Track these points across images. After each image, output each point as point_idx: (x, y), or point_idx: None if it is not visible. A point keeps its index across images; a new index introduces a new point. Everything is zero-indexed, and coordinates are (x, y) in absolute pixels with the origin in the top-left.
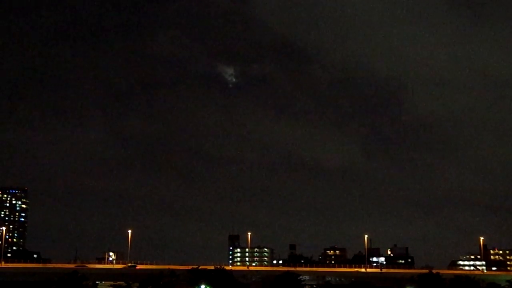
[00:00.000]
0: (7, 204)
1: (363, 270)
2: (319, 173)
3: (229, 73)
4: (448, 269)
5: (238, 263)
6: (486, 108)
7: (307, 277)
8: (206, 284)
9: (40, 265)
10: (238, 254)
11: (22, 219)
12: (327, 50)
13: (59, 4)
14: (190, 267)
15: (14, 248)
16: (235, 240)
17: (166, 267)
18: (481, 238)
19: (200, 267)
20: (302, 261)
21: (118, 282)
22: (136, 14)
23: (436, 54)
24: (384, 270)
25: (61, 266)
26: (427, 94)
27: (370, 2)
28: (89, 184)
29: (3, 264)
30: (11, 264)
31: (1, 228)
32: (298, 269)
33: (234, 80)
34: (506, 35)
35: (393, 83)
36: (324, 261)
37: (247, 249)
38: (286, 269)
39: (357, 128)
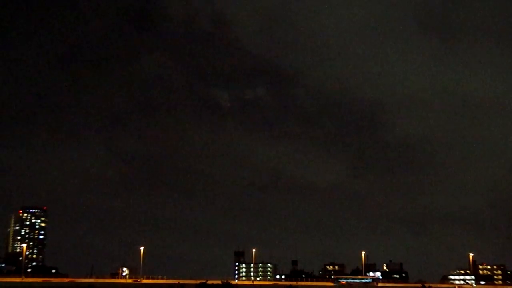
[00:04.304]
0: (27, 223)
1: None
2: (310, 192)
3: (223, 97)
4: (440, 283)
5: (244, 278)
6: (460, 127)
7: None
8: None
9: (58, 280)
10: (244, 270)
11: (41, 237)
12: (311, 75)
13: (59, 36)
14: (198, 282)
15: (34, 263)
16: (241, 256)
17: (176, 281)
18: (470, 254)
19: (208, 282)
20: (304, 275)
21: None
22: (126, 41)
23: (411, 78)
24: (380, 284)
25: (77, 281)
26: (406, 116)
27: (350, 31)
28: (98, 202)
29: (24, 279)
30: (32, 279)
31: (22, 245)
32: (300, 283)
33: (228, 104)
34: (474, 58)
35: (375, 106)
36: (324, 275)
37: (251, 265)
38: (289, 283)
39: (343, 149)
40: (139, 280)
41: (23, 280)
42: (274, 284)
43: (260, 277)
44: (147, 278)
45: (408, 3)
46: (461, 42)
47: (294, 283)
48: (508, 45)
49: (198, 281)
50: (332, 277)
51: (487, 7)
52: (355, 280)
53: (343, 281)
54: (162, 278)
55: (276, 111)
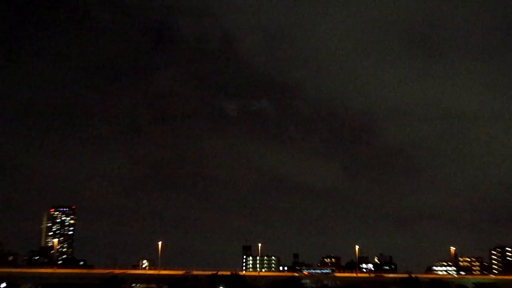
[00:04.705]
0: (58, 220)
1: (354, 275)
2: (309, 193)
3: (230, 108)
4: (425, 273)
5: (250, 269)
6: (442, 134)
7: (308, 281)
8: (224, 286)
9: (86, 271)
10: (250, 262)
11: (71, 232)
12: (309, 88)
13: (87, 54)
14: (210, 273)
15: (64, 256)
16: (248, 250)
17: (190, 272)
18: (452, 248)
19: (219, 273)
20: (304, 267)
21: (150, 285)
22: (144, 58)
23: (399, 90)
24: (372, 275)
25: (103, 272)
26: (394, 124)
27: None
28: (121, 202)
29: (56, 270)
30: (62, 270)
31: (53, 240)
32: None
33: (235, 114)
34: (454, 73)
35: (366, 115)
36: (321, 267)
37: (257, 258)
38: (291, 274)
39: (338, 154)
40: (158, 271)
41: (55, 271)
42: (277, 275)
43: (265, 269)
44: (165, 269)
45: (395, 24)
46: (442, 58)
47: (295, 273)
48: (484, 60)
49: (210, 272)
50: (296, 268)
51: (466, 27)
52: (316, 271)
53: (306, 272)
54: (178, 269)
55: (278, 120)
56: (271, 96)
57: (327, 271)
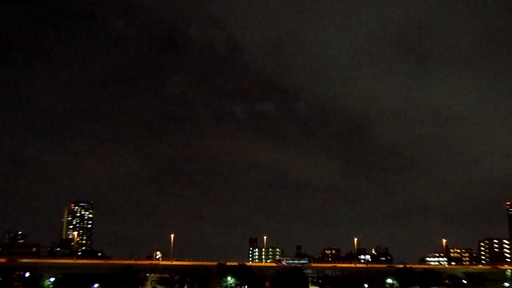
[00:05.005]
0: (78, 214)
1: (353, 265)
2: (310, 189)
3: (237, 110)
4: (418, 264)
5: (256, 260)
6: (433, 134)
7: (309, 271)
8: (232, 276)
9: (104, 261)
10: (256, 253)
11: (89, 226)
12: (310, 91)
13: (103, 60)
14: (219, 263)
15: (83, 248)
16: (254, 242)
17: (200, 263)
18: (444, 240)
19: (227, 263)
20: (306, 258)
21: (163, 275)
22: (156, 63)
23: (393, 93)
24: (369, 265)
25: (119, 262)
26: (389, 125)
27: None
28: (136, 197)
29: (76, 260)
30: (82, 260)
31: (73, 233)
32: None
33: (241, 116)
34: (444, 77)
35: (363, 117)
36: (323, 258)
37: (263, 249)
38: (295, 265)
39: (337, 154)
40: (170, 261)
41: (75, 261)
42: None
43: (270, 260)
44: (177, 260)
45: (388, 33)
46: (434, 63)
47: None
48: (472, 65)
49: (219, 263)
50: (276, 258)
51: (454, 35)
52: (294, 261)
53: (284, 262)
54: (189, 260)
55: (282, 122)
56: (274, 99)
57: (304, 261)
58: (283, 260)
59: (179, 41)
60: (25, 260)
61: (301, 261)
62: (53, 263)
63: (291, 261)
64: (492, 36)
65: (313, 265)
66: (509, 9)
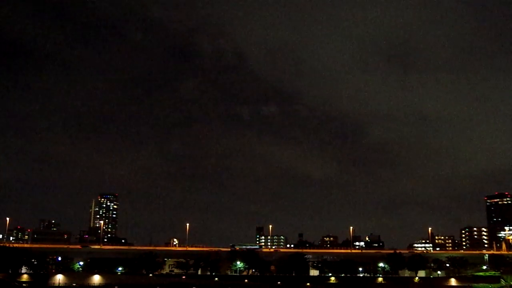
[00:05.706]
0: (104, 205)
1: (349, 251)
2: (310, 182)
3: (243, 112)
4: (407, 249)
5: (263, 246)
6: (419, 134)
7: (310, 256)
8: (241, 261)
9: (127, 247)
10: (263, 240)
11: (114, 215)
12: (310, 95)
13: (124, 68)
14: (229, 249)
15: (109, 235)
16: (261, 230)
17: (213, 249)
18: (430, 228)
19: (237, 249)
20: (307, 245)
21: (180, 259)
22: (171, 71)
23: (383, 97)
24: (363, 251)
25: (141, 248)
26: (378, 126)
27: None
28: (155, 190)
29: (102, 246)
30: (107, 246)
31: (100, 222)
32: (305, 250)
33: (248, 118)
34: (429, 83)
35: (357, 118)
36: (322, 245)
37: (269, 237)
38: (296, 251)
39: (333, 151)
40: (186, 247)
41: (102, 247)
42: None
43: (275, 246)
44: (192, 246)
45: (379, 43)
46: (420, 71)
47: (300, 250)
48: (455, 73)
49: (229, 249)
50: (230, 244)
51: (437, 45)
52: (247, 246)
53: (237, 247)
54: (202, 247)
55: (284, 123)
56: (277, 102)
57: (255, 247)
58: (236, 245)
59: (192, 51)
60: (58, 246)
61: (253, 246)
62: (82, 249)
63: (244, 246)
64: (470, 48)
65: (335, 251)
66: (481, 23)
